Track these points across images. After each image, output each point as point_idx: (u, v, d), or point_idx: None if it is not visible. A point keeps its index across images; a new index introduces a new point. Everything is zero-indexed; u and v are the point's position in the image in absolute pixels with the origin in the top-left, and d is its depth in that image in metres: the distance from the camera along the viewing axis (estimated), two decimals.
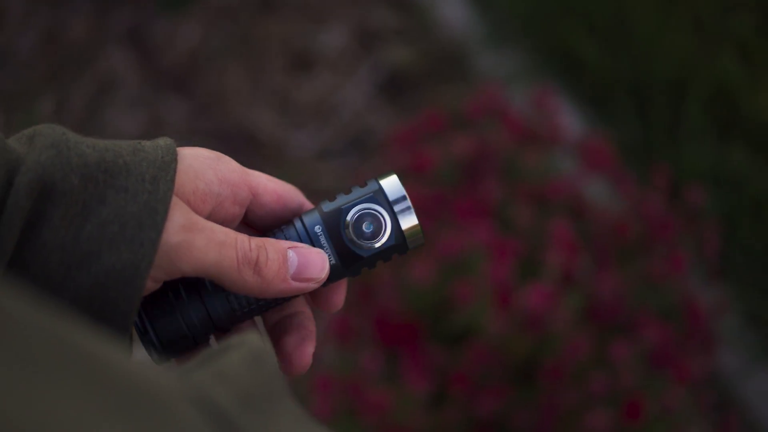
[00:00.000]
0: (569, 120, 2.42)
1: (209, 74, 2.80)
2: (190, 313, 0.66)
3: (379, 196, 0.68)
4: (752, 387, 2.28)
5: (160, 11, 2.88)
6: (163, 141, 0.64)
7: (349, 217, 0.68)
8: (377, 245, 0.68)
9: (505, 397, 1.81)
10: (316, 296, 0.71)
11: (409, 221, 0.68)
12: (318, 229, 0.68)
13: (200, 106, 2.73)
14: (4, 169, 0.58)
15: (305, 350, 0.68)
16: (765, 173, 2.51)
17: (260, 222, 0.70)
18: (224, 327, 0.68)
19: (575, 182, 2.02)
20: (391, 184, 0.69)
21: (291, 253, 0.65)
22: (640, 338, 1.86)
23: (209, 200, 0.64)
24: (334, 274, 0.68)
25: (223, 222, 0.66)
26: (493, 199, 1.96)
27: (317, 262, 0.66)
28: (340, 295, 0.71)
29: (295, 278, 0.65)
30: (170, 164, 0.62)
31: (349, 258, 0.68)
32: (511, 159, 2.02)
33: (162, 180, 0.61)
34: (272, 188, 0.68)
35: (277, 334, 0.70)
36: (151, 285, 0.61)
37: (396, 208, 0.68)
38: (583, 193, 2.01)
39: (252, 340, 0.53)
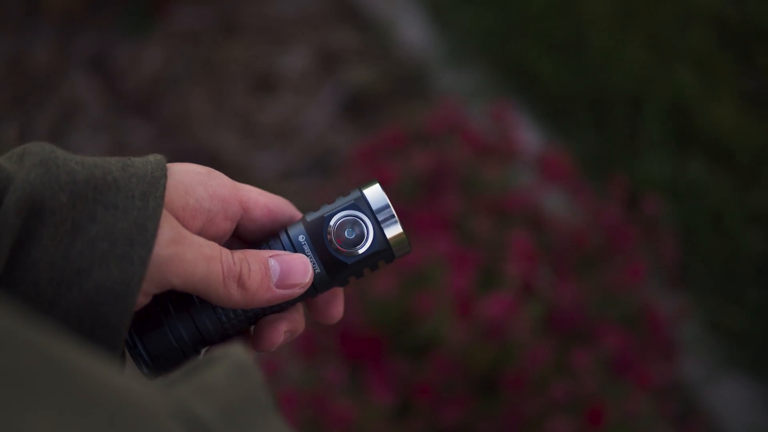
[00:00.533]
0: (528, 134, 2.45)
1: (172, 97, 2.81)
2: (179, 326, 0.66)
3: (362, 204, 0.69)
4: (716, 395, 2.30)
5: (123, 36, 2.90)
6: (153, 157, 0.65)
7: (331, 224, 0.68)
8: (360, 251, 0.68)
9: (468, 407, 1.82)
10: (314, 309, 0.72)
11: (393, 229, 0.68)
12: (302, 238, 0.69)
13: (164, 128, 2.74)
14: None
15: (278, 327, 0.68)
16: (722, 184, 2.55)
17: (250, 235, 0.70)
18: (213, 341, 0.68)
19: (533, 194, 2.05)
20: (373, 192, 0.69)
21: (272, 262, 0.65)
22: (600, 346, 1.88)
23: (199, 216, 0.64)
24: (321, 284, 0.69)
25: (215, 237, 0.67)
26: (453, 212, 1.98)
27: (299, 267, 0.66)
28: (337, 306, 0.72)
29: (279, 286, 0.65)
30: (160, 180, 0.62)
31: (333, 266, 0.68)
32: (470, 172, 2.05)
33: (152, 196, 0.61)
34: (263, 202, 0.68)
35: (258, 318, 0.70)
36: (141, 299, 0.61)
37: (379, 216, 0.68)
38: (541, 205, 2.04)
39: (236, 352, 0.54)
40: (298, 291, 0.66)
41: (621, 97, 2.66)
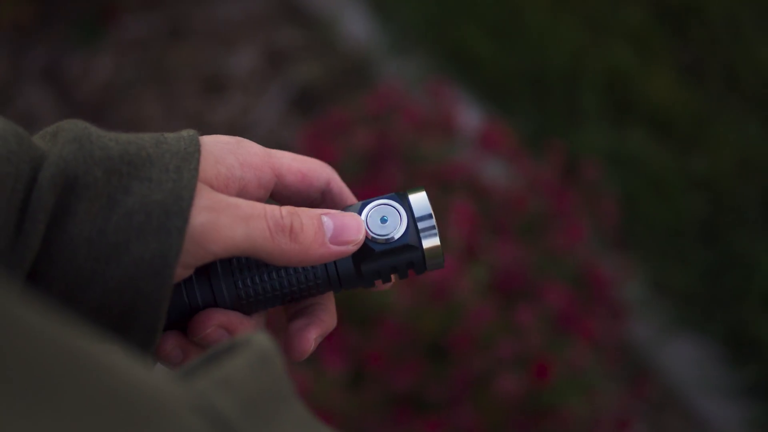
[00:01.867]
0: (470, 114, 2.51)
1: (125, 103, 2.86)
2: (196, 293, 0.64)
3: (404, 203, 0.67)
4: (666, 354, 2.36)
5: (75, 47, 2.95)
6: (186, 132, 0.64)
7: (366, 209, 0.67)
8: (390, 239, 0.66)
9: (419, 372, 1.86)
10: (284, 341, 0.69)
11: (431, 240, 0.66)
12: None
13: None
14: (29, 166, 0.57)
15: (307, 334, 0.66)
16: (662, 152, 2.62)
17: (286, 202, 0.68)
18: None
19: (473, 163, 2.10)
20: (418, 198, 0.67)
21: (325, 219, 0.64)
22: (544, 303, 1.93)
23: (232, 185, 0.63)
24: (346, 276, 0.67)
25: None
26: (395, 184, 2.03)
27: (352, 224, 0.65)
28: (306, 338, 0.68)
29: (333, 242, 0.64)
30: (193, 154, 0.61)
31: (360, 252, 0.66)
32: (410, 147, 2.10)
33: (185, 169, 0.60)
34: (296, 168, 0.67)
35: (290, 320, 0.68)
36: (182, 272, 0.60)
37: (420, 224, 0.66)
38: (480, 174, 2.10)
39: (259, 339, 0.52)
40: (351, 248, 0.64)
41: (559, 74, 2.73)
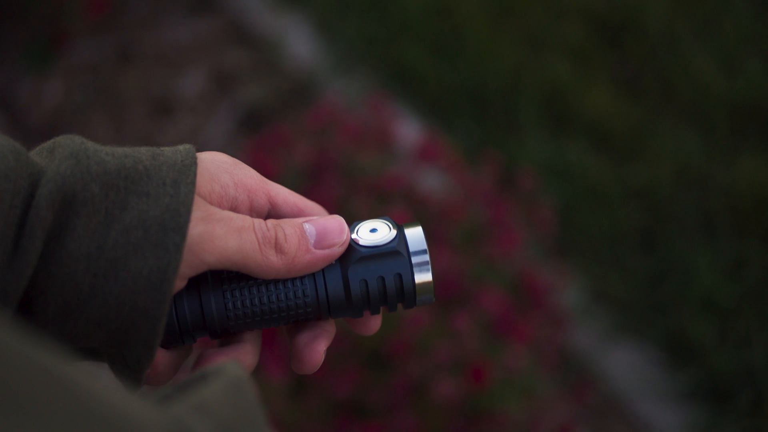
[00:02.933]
0: (411, 128, 2.56)
1: (75, 127, 2.89)
2: (184, 303, 0.64)
3: (399, 228, 0.68)
4: (607, 361, 2.40)
5: (25, 72, 2.98)
6: (182, 146, 0.64)
7: (358, 224, 0.68)
8: (378, 243, 0.66)
9: (359, 379, 1.89)
10: (354, 322, 0.70)
11: (423, 276, 0.66)
12: None
13: None
14: (27, 182, 0.57)
15: (316, 347, 0.67)
16: (601, 163, 2.67)
17: None
18: (213, 329, 0.65)
19: (410, 174, 2.14)
20: (414, 233, 0.67)
21: (307, 225, 0.64)
22: (480, 309, 1.97)
23: (225, 204, 0.64)
24: (332, 281, 0.66)
25: None
26: (334, 195, 2.07)
27: (334, 226, 0.65)
28: (316, 350, 0.68)
29: (317, 247, 0.64)
30: (190, 167, 0.61)
31: (345, 254, 0.66)
32: (349, 160, 2.14)
33: (183, 183, 0.60)
34: (293, 201, 0.67)
35: (293, 333, 0.68)
36: (178, 284, 0.60)
37: (414, 258, 0.66)
38: (418, 184, 2.14)
39: (232, 368, 0.53)
40: (337, 250, 0.65)
41: (499, 89, 2.79)
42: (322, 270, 0.66)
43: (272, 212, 0.67)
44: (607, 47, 2.98)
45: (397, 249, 0.66)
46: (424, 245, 0.67)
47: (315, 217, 0.66)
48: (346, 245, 0.65)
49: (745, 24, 3.08)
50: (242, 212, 0.65)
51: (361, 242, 0.66)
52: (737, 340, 2.40)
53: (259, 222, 0.63)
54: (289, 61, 2.91)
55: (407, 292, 0.66)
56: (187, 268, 0.60)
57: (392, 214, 1.99)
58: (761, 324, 2.43)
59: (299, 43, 2.95)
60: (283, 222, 0.64)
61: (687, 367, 2.37)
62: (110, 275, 0.58)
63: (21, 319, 0.59)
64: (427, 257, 0.66)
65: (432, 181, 2.22)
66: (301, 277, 0.66)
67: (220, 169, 0.64)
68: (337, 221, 0.65)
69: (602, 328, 2.43)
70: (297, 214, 0.67)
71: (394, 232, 0.66)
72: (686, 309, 2.45)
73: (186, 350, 0.68)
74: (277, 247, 0.63)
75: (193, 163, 0.62)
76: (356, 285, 0.66)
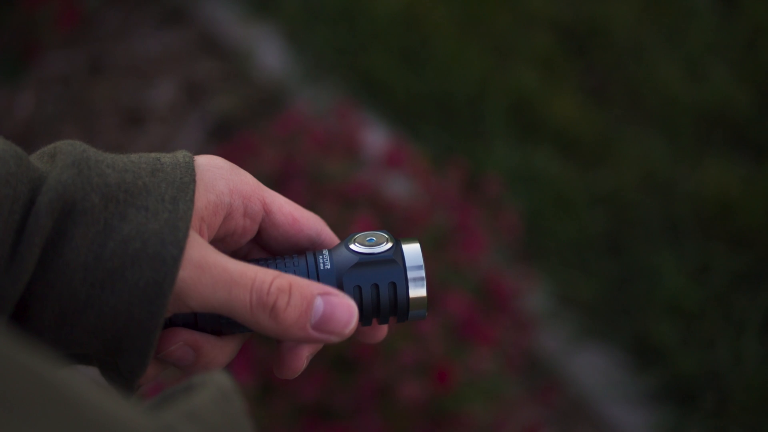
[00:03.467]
0: (379, 136, 2.58)
1: (47, 139, 2.89)
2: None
3: (396, 250, 0.67)
4: (575, 363, 2.42)
5: None
6: (182, 157, 0.64)
7: (358, 234, 0.68)
8: (374, 251, 0.66)
9: (326, 383, 1.90)
10: (276, 360, 0.68)
11: (418, 291, 0.66)
12: (325, 253, 0.67)
13: None
14: (27, 187, 0.57)
15: (300, 353, 0.65)
16: (568, 169, 2.70)
17: (275, 243, 0.68)
18: (204, 328, 0.65)
19: (376, 180, 2.16)
20: (411, 249, 0.67)
21: (318, 302, 0.62)
22: (445, 313, 1.99)
23: (220, 211, 0.63)
24: (326, 280, 0.66)
25: (233, 233, 0.66)
26: (301, 201, 2.08)
27: (343, 317, 0.62)
28: (298, 357, 0.66)
29: (315, 328, 0.61)
30: (189, 185, 0.61)
31: (340, 257, 0.66)
32: (316, 166, 2.16)
33: (181, 200, 0.60)
34: (288, 210, 0.67)
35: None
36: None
37: (409, 274, 0.66)
38: (384, 190, 2.16)
39: (219, 378, 0.53)
40: (334, 339, 0.62)
41: (466, 97, 2.81)
42: (317, 274, 0.65)
43: (267, 220, 0.66)
44: (574, 56, 3.02)
45: (393, 258, 0.65)
46: (420, 260, 0.66)
47: (334, 294, 0.62)
48: (346, 337, 0.63)
49: (710, 32, 3.12)
50: (236, 218, 0.65)
51: (357, 249, 0.66)
52: (702, 343, 2.43)
53: (262, 279, 0.61)
54: (259, 72, 2.94)
55: (400, 303, 0.65)
56: (170, 306, 0.59)
57: (359, 220, 2.01)
58: (725, 326, 2.46)
59: (269, 54, 2.97)
60: (296, 288, 0.62)
61: (652, 370, 2.40)
62: (107, 285, 0.57)
63: (16, 325, 0.59)
64: (422, 273, 0.66)
65: (398, 187, 2.24)
66: None
67: (215, 177, 0.64)
68: (349, 311, 0.62)
69: (569, 332, 2.45)
70: (292, 223, 0.66)
71: (390, 244, 0.66)
72: (651, 312, 2.47)
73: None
74: (272, 314, 0.61)
75: (192, 180, 0.61)
76: (350, 291, 0.65)
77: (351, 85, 2.84)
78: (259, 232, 0.67)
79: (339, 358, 1.95)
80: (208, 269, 0.59)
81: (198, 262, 0.59)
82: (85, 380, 0.41)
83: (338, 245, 0.67)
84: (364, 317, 0.66)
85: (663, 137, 2.83)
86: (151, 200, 0.59)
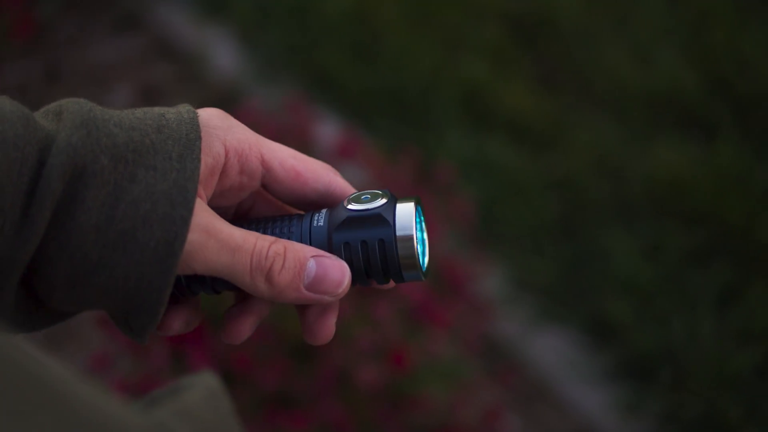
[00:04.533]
0: (332, 129, 2.61)
1: None
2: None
3: (390, 202, 0.65)
4: (534, 346, 2.45)
5: None
6: (186, 112, 0.64)
7: (356, 193, 0.67)
8: (363, 208, 0.64)
9: (285, 371, 1.93)
10: (304, 329, 0.69)
11: (407, 248, 0.64)
12: (323, 212, 0.66)
13: None
14: (35, 148, 0.57)
15: (327, 321, 0.67)
16: (520, 156, 2.74)
17: (282, 197, 0.68)
18: (215, 289, 0.66)
19: None
20: (405, 207, 0.65)
21: (311, 263, 0.63)
22: (400, 298, 2.01)
23: (216, 172, 0.63)
24: (318, 238, 0.65)
25: (230, 189, 0.66)
26: None
27: (335, 277, 0.63)
28: (327, 323, 0.68)
29: (309, 288, 0.63)
30: (195, 142, 0.61)
31: (332, 214, 0.65)
32: None
33: (188, 158, 0.60)
34: (291, 165, 0.66)
35: (300, 307, 0.68)
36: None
37: (398, 230, 0.64)
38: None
39: (208, 379, 0.55)
40: (327, 299, 0.63)
41: (418, 89, 2.85)
42: (309, 231, 0.65)
43: (267, 175, 0.66)
44: (524, 46, 3.06)
45: (381, 214, 0.63)
46: (411, 219, 0.64)
47: (325, 255, 0.64)
48: (340, 296, 0.64)
49: (657, 18, 3.18)
50: (232, 175, 0.65)
51: (350, 206, 0.65)
52: (657, 320, 2.47)
53: (261, 245, 0.62)
54: (214, 73, 2.97)
55: (390, 262, 0.64)
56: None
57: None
58: (680, 303, 2.50)
59: (223, 55, 3.00)
60: (290, 251, 0.63)
61: (609, 348, 2.44)
62: (118, 246, 0.58)
63: (26, 286, 0.59)
64: (412, 231, 0.63)
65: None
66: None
67: (211, 138, 0.63)
68: (340, 271, 0.63)
69: (527, 315, 2.49)
70: (295, 178, 0.66)
71: (384, 200, 0.64)
72: (607, 292, 2.51)
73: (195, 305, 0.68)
74: (268, 277, 0.62)
75: (198, 138, 0.61)
76: (339, 248, 0.65)
77: (304, 82, 2.88)
78: (264, 186, 0.67)
79: (298, 346, 1.98)
80: (215, 234, 0.60)
81: (206, 226, 0.60)
82: (78, 378, 0.41)
83: (339, 204, 0.66)
84: (358, 276, 0.65)
85: (614, 122, 2.88)
86: (159, 159, 0.59)
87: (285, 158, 0.66)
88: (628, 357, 2.42)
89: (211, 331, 1.99)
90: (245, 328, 0.67)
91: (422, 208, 0.67)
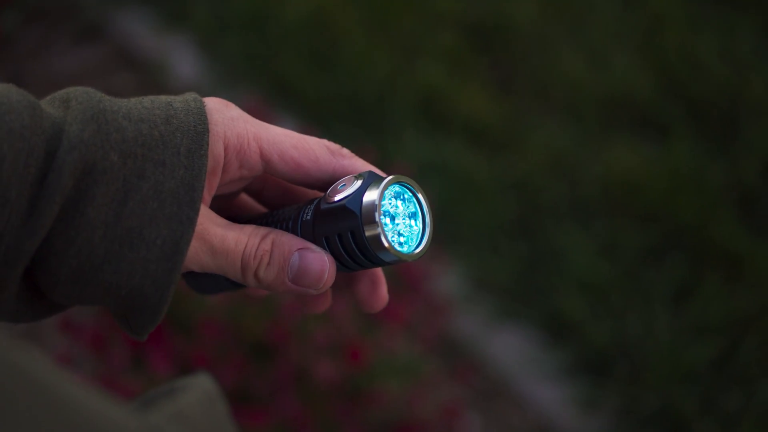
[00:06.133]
0: None
1: None
2: None
3: (366, 182, 0.64)
4: (493, 344, 2.48)
5: None
6: (193, 101, 0.64)
7: (347, 177, 0.66)
8: (336, 198, 0.63)
9: (244, 369, 1.95)
10: (358, 300, 0.72)
11: (376, 239, 0.62)
12: (315, 202, 0.66)
13: None
14: (41, 138, 0.57)
15: (379, 293, 0.70)
16: (477, 159, 2.77)
17: (288, 181, 0.68)
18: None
19: None
20: (371, 195, 0.63)
21: (295, 257, 0.64)
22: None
23: (218, 170, 0.63)
24: (304, 230, 0.66)
25: (231, 182, 0.66)
26: None
27: (314, 271, 0.64)
28: (378, 293, 0.71)
29: (293, 282, 0.64)
30: (203, 135, 0.61)
31: (317, 210, 0.65)
32: None
33: (196, 154, 0.60)
34: (290, 156, 0.65)
35: (353, 281, 0.70)
36: None
37: (364, 224, 0.63)
38: None
39: (203, 382, 0.55)
40: (311, 292, 0.64)
41: (376, 94, 2.88)
42: (299, 226, 0.66)
43: (268, 167, 0.65)
44: (481, 51, 3.10)
45: (346, 205, 0.63)
46: (374, 204, 0.62)
47: (310, 247, 0.64)
48: (323, 290, 0.64)
49: (611, 22, 3.23)
50: (231, 171, 0.64)
51: (328, 198, 0.64)
52: (613, 316, 2.50)
53: (252, 243, 0.63)
54: (175, 81, 2.99)
55: (366, 250, 0.63)
56: None
57: None
58: (635, 299, 2.54)
59: (183, 63, 3.03)
60: (278, 245, 0.64)
61: (567, 345, 2.47)
62: (125, 243, 0.58)
63: (30, 279, 0.60)
64: (374, 218, 0.62)
65: None
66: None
67: (213, 136, 0.63)
68: (321, 266, 0.64)
69: (485, 314, 2.51)
70: (294, 169, 0.65)
71: (354, 189, 0.63)
72: (564, 290, 2.54)
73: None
74: (256, 274, 0.63)
75: (205, 130, 0.61)
76: (321, 241, 0.65)
77: (264, 89, 2.90)
78: (269, 173, 0.67)
79: (256, 344, 2.00)
80: (209, 240, 0.62)
81: (200, 233, 0.61)
82: (74, 380, 0.42)
83: (325, 194, 0.65)
84: (345, 266, 0.65)
85: (570, 124, 2.92)
86: (168, 154, 0.59)
87: (285, 149, 0.65)
88: (585, 353, 2.45)
89: (170, 329, 2.01)
90: (384, 296, 0.70)
91: (411, 185, 0.66)
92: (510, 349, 2.47)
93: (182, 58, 3.05)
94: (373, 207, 0.62)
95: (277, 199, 0.73)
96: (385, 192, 0.63)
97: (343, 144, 0.65)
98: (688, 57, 3.11)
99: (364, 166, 0.67)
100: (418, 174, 2.48)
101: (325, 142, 0.67)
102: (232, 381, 1.93)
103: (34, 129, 0.56)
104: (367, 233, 0.62)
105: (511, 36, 3.14)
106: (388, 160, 2.52)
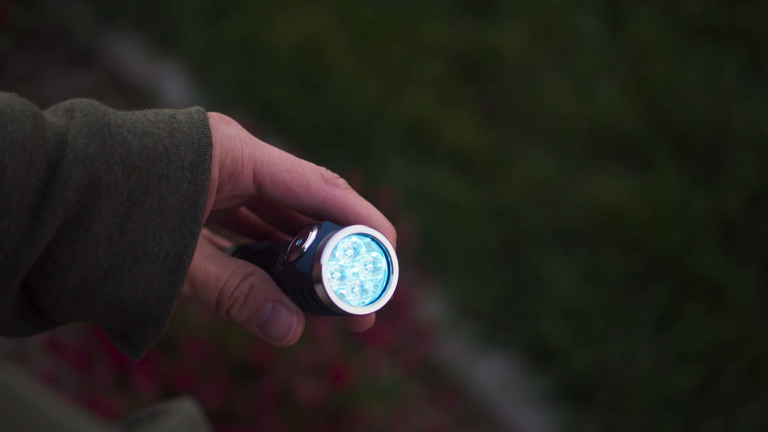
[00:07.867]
0: None
1: None
2: None
3: (308, 252, 0.64)
4: (476, 370, 2.49)
5: None
6: (196, 114, 0.64)
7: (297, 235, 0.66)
8: (294, 255, 0.64)
9: (227, 389, 1.96)
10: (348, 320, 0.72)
11: (333, 300, 0.63)
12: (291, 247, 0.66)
13: None
14: (42, 149, 0.56)
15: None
16: (463, 187, 2.79)
17: (280, 204, 0.68)
18: None
19: None
20: (324, 253, 0.63)
21: (267, 308, 0.65)
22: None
23: (213, 190, 0.63)
24: (283, 280, 0.66)
25: (224, 201, 0.66)
26: None
27: (280, 329, 0.65)
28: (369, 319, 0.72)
29: (261, 329, 0.65)
30: (207, 149, 0.61)
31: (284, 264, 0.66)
32: None
33: (199, 168, 0.61)
34: (281, 180, 0.65)
35: None
36: None
37: (316, 287, 0.63)
38: None
39: (187, 406, 0.56)
40: (275, 343, 0.66)
41: (364, 121, 2.91)
42: (276, 275, 0.66)
43: (260, 189, 0.65)
44: (468, 81, 3.14)
45: (297, 267, 0.64)
46: (323, 266, 0.62)
47: (284, 304, 0.65)
48: (287, 345, 0.66)
49: (598, 53, 3.26)
50: (224, 192, 0.64)
51: (291, 255, 0.65)
52: (595, 343, 2.52)
53: (231, 284, 0.64)
54: (166, 106, 3.01)
55: (324, 307, 0.64)
56: None
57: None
58: (617, 327, 2.55)
59: (174, 89, 3.06)
60: (254, 291, 0.65)
61: (549, 371, 2.48)
62: (129, 256, 0.58)
63: (33, 294, 0.60)
64: (323, 281, 0.62)
65: None
66: None
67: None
68: (288, 325, 0.66)
69: (469, 340, 2.53)
70: (285, 194, 0.65)
71: (308, 244, 0.64)
72: (547, 317, 2.56)
73: None
74: (229, 312, 0.65)
75: (209, 144, 0.61)
76: (290, 295, 0.66)
77: (253, 115, 2.93)
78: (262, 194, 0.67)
79: (239, 364, 2.01)
80: (191, 272, 0.63)
81: (192, 263, 0.62)
82: (58, 401, 0.43)
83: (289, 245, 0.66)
84: (320, 314, 0.66)
85: (555, 153, 2.95)
86: (171, 168, 0.60)
87: (277, 172, 0.64)
88: (567, 380, 2.46)
89: (155, 349, 2.03)
90: (373, 318, 0.71)
91: (371, 234, 0.65)
92: (493, 375, 2.49)
93: (173, 84, 3.08)
94: (320, 268, 0.61)
95: (272, 217, 0.74)
96: (335, 249, 0.63)
97: (331, 170, 0.66)
98: (672, 89, 3.14)
99: (356, 200, 0.67)
100: (404, 200, 2.50)
101: (321, 169, 0.67)
102: (216, 401, 1.94)
103: (35, 139, 0.56)
104: (319, 294, 0.62)
105: (498, 66, 3.17)
106: (375, 187, 2.55)
